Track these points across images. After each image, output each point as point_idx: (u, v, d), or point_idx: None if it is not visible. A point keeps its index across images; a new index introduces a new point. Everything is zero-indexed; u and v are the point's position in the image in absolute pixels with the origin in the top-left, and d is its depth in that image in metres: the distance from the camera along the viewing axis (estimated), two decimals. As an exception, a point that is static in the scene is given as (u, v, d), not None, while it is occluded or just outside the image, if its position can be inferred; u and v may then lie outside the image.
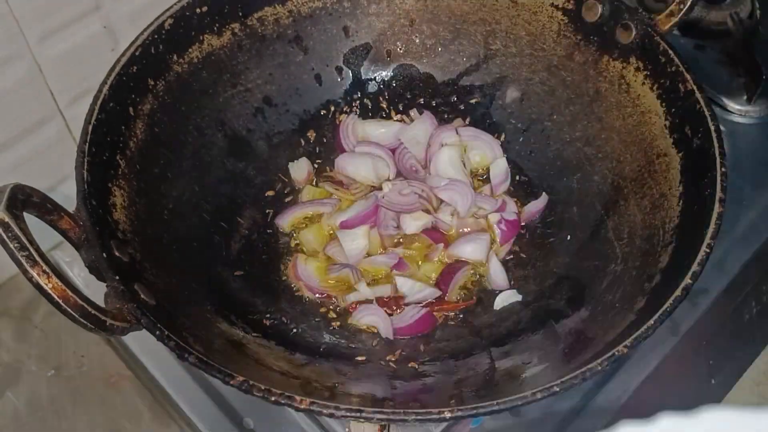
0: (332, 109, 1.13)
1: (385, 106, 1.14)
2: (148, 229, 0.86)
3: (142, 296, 0.71)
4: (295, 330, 0.92)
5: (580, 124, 1.04)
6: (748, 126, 1.17)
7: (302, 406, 0.64)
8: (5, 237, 0.59)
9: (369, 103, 1.14)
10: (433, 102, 1.14)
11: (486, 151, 1.08)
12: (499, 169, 1.07)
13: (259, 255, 1.00)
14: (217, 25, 0.99)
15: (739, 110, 1.17)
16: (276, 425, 0.94)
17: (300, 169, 1.08)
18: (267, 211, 1.04)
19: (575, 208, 1.01)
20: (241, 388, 0.65)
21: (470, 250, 0.99)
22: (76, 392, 1.06)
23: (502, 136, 1.10)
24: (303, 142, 1.10)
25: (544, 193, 1.04)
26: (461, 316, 0.96)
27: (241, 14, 1.01)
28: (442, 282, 0.97)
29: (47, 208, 0.69)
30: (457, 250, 0.99)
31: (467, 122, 1.12)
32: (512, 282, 0.98)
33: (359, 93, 1.14)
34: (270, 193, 1.06)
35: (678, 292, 0.72)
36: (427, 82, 1.14)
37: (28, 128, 1.04)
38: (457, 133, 1.08)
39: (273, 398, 0.65)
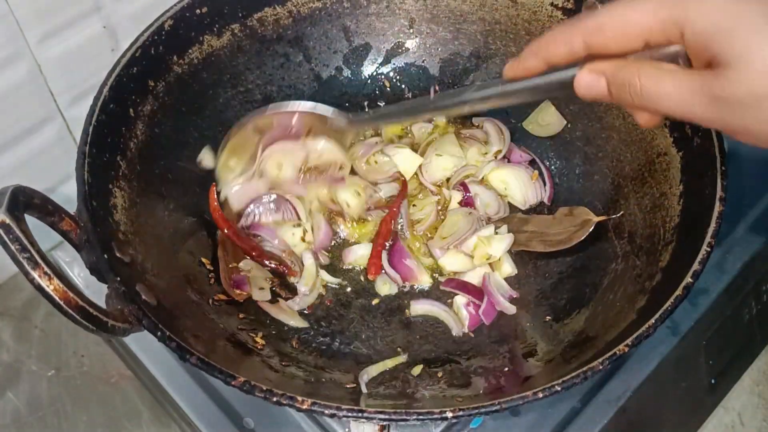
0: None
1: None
2: (150, 230, 0.86)
3: (144, 297, 0.71)
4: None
5: (580, 123, 1.04)
6: (747, 125, 1.17)
7: (304, 407, 0.64)
8: (6, 239, 0.59)
9: (368, 103, 1.14)
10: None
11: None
12: None
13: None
14: (217, 25, 0.99)
15: (738, 110, 1.17)
16: (276, 425, 0.94)
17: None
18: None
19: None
20: (243, 388, 0.65)
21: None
22: (76, 392, 1.06)
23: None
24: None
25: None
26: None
27: (241, 15, 1.01)
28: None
29: (48, 210, 0.68)
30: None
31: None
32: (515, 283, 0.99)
33: (359, 93, 1.14)
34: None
35: (679, 291, 0.72)
36: (426, 81, 1.15)
37: (29, 128, 1.04)
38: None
39: (275, 399, 0.65)
